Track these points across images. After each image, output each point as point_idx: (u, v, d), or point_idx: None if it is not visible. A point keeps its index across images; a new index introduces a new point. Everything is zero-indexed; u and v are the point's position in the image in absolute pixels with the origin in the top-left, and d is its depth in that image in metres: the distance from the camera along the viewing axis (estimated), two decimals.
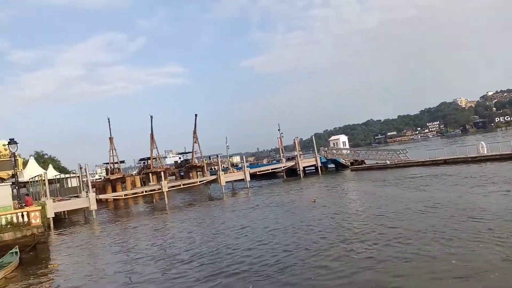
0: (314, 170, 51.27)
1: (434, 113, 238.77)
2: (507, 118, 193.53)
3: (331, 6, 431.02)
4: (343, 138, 60.34)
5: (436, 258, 10.00)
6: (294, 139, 56.16)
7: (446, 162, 36.70)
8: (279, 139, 56.87)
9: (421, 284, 8.55)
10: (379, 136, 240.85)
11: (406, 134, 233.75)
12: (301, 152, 55.94)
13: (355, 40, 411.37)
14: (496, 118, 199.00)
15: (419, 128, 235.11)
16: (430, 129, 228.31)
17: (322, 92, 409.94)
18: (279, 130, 57.33)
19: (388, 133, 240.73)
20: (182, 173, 71.95)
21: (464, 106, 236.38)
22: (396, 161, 43.12)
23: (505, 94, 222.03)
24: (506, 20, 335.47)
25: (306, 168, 50.76)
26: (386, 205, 19.16)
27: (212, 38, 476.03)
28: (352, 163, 49.46)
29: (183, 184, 44.06)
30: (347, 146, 59.36)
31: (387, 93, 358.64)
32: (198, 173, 66.86)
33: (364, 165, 47.18)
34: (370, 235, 13.51)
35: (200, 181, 46.04)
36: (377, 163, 45.60)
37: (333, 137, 64.01)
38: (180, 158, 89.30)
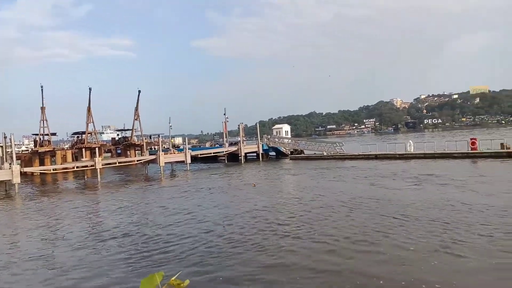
0: (255, 157, 51.99)
1: (372, 111, 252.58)
2: (434, 120, 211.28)
3: None
4: (286, 127, 61.73)
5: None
6: (238, 125, 56.34)
7: (377, 157, 39.24)
8: (224, 124, 56.85)
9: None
10: (320, 128, 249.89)
11: (344, 129, 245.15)
12: (244, 138, 56.33)
13: (309, 33, 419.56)
14: (425, 120, 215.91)
15: (356, 124, 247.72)
16: (366, 126, 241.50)
17: (271, 82, 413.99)
18: (224, 114, 57.36)
19: (328, 126, 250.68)
20: (119, 151, 69.00)
21: (399, 106, 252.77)
22: (332, 153, 45.16)
23: (436, 98, 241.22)
24: (449, 28, 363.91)
25: (247, 154, 51.29)
26: (315, 194, 20.10)
27: (165, 13, 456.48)
28: (292, 152, 50.92)
29: (119, 162, 42.38)
30: (289, 136, 60.90)
31: (331, 88, 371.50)
32: (137, 151, 64.60)
33: (302, 155, 48.81)
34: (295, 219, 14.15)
35: (137, 160, 44.57)
36: (315, 153, 47.42)
37: (276, 126, 65.22)
38: (118, 134, 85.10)
